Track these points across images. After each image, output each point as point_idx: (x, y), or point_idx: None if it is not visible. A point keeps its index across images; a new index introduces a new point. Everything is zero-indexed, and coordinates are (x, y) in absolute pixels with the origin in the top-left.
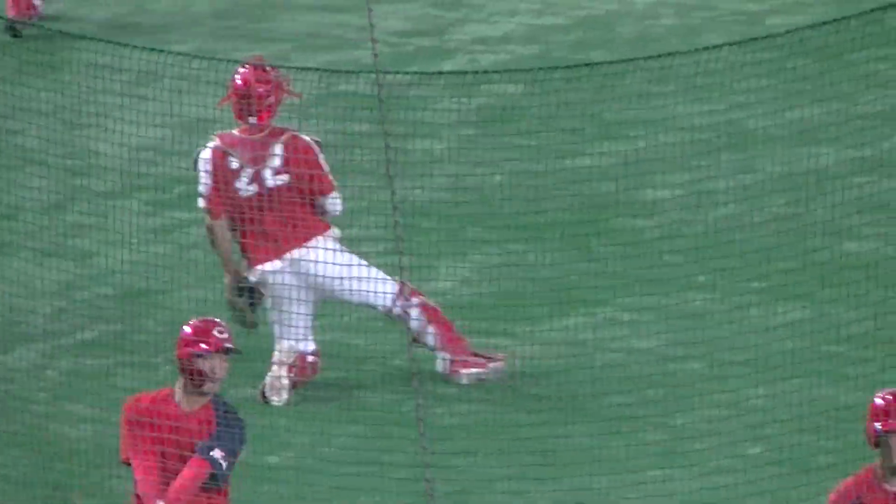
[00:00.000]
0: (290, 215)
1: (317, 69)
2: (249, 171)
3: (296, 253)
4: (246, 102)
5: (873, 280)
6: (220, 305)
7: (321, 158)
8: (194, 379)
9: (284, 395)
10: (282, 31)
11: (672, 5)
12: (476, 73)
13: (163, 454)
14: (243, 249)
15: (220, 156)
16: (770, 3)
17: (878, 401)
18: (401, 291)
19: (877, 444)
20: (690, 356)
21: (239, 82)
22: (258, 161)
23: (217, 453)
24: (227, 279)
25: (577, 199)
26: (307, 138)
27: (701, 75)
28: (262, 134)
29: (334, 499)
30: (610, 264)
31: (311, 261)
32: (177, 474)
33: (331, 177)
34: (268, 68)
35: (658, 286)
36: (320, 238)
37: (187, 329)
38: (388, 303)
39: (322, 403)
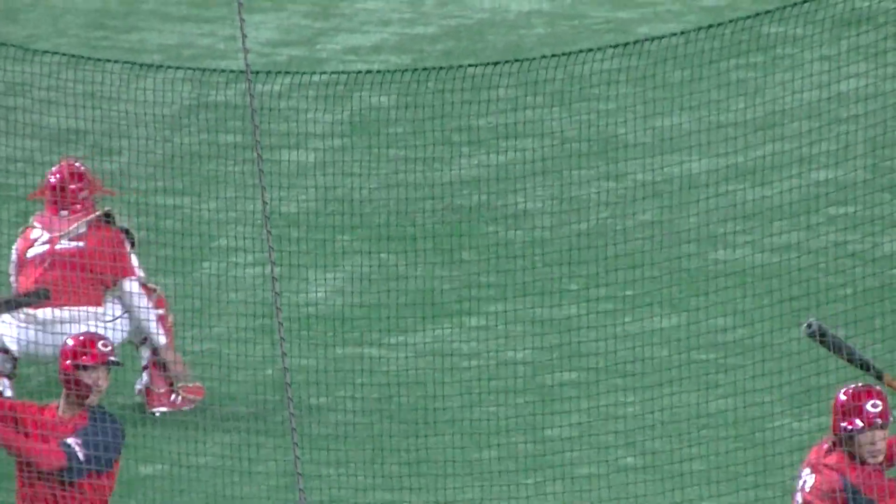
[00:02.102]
0: (63, 280)
1: (193, 69)
2: (47, 235)
3: (49, 314)
4: (60, 197)
5: (742, 288)
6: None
7: (126, 244)
8: (79, 390)
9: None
10: (151, 41)
11: (544, 14)
12: (346, 74)
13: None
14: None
15: (28, 233)
16: (640, 12)
17: (842, 397)
18: (149, 296)
19: (842, 439)
20: (560, 364)
21: (52, 180)
22: (59, 230)
23: (75, 445)
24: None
25: (448, 209)
26: (115, 226)
27: (570, 83)
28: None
29: None
30: (480, 273)
31: (54, 326)
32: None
33: (135, 263)
34: (81, 167)
35: (529, 295)
36: (88, 310)
37: (71, 342)
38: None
39: (195, 413)
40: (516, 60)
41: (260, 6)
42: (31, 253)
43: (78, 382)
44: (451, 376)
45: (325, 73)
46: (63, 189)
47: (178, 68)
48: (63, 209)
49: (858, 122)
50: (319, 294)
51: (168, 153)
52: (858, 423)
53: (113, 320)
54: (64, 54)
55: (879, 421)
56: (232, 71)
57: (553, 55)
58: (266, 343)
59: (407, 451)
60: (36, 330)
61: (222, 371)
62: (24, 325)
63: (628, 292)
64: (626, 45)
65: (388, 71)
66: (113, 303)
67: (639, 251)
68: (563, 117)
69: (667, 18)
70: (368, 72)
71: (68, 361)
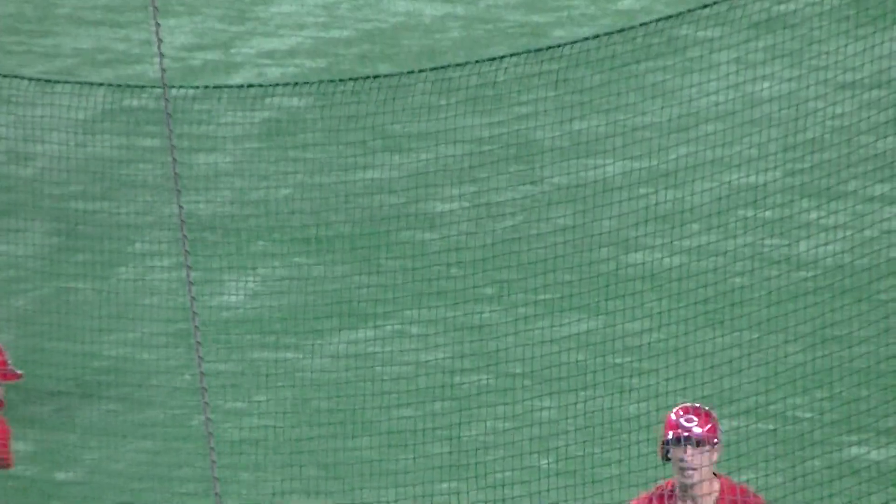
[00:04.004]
0: None
1: (102, 84)
2: None
3: None
4: None
5: (656, 290)
6: (6, 322)
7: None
8: None
9: None
10: (66, 46)
11: (458, 18)
12: (262, 86)
13: None
14: None
15: None
16: (555, 16)
17: (672, 414)
18: None
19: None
20: (476, 368)
21: None
22: None
23: None
24: None
25: (363, 213)
26: None
27: (485, 87)
28: None
29: None
30: (396, 277)
31: None
32: None
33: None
34: None
35: (444, 299)
36: None
37: None
38: None
39: (111, 418)
40: (432, 69)
41: (174, 10)
42: None
43: None
44: (368, 380)
45: (239, 83)
46: None
47: (90, 84)
48: None
49: (772, 124)
50: (236, 298)
51: (83, 158)
52: (666, 436)
53: None
54: None
55: (685, 434)
56: (143, 86)
57: (468, 60)
58: (182, 348)
59: (324, 454)
60: None
61: (139, 377)
62: None
63: (544, 296)
64: (540, 49)
65: (303, 81)
66: None
67: (554, 255)
68: (479, 122)
69: (581, 22)
70: (283, 83)
71: None
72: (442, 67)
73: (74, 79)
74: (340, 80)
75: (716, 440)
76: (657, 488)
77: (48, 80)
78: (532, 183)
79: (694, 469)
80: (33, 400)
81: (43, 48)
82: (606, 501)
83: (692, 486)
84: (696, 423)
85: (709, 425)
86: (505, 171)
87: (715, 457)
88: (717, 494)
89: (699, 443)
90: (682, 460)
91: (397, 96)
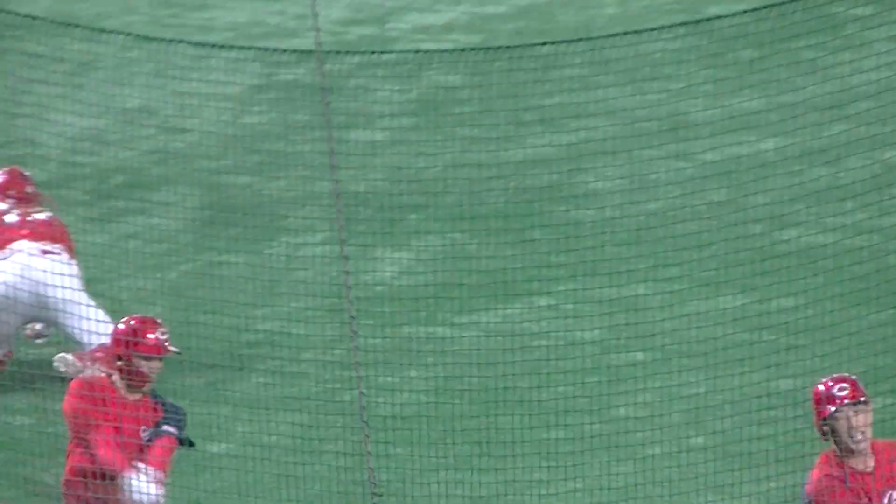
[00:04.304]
0: (40, 223)
1: (263, 49)
2: (17, 209)
3: (30, 260)
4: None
5: (809, 267)
6: (160, 295)
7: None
8: (133, 379)
9: None
10: (221, 20)
11: None
12: (420, 52)
13: (101, 430)
14: None
15: None
16: None
17: (820, 387)
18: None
19: (825, 433)
20: (629, 344)
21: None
22: (27, 203)
23: (172, 428)
24: None
25: (517, 188)
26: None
27: (640, 62)
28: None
29: (276, 487)
30: (550, 253)
31: (40, 270)
32: (129, 451)
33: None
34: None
35: (597, 275)
36: (62, 253)
37: (127, 327)
38: (91, 343)
39: (265, 392)
40: (587, 39)
41: None
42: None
43: (133, 371)
44: (521, 356)
45: (396, 51)
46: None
47: (247, 48)
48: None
49: None
50: (389, 273)
51: (238, 131)
52: (830, 408)
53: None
54: (131, 34)
55: (848, 400)
56: (302, 51)
57: (623, 34)
58: (336, 322)
59: (476, 430)
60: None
61: (291, 350)
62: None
63: (696, 272)
64: (695, 23)
65: (459, 50)
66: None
67: (707, 231)
68: (632, 96)
69: (734, 0)
70: (439, 51)
71: (125, 349)
72: (596, 39)
73: (230, 52)
74: (496, 49)
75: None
76: (822, 459)
77: (212, 46)
78: (685, 159)
79: (863, 431)
80: (186, 372)
81: (198, 21)
82: (757, 477)
83: (861, 449)
84: (848, 391)
85: (860, 389)
86: (658, 147)
87: (871, 419)
88: (873, 457)
89: (863, 405)
90: (851, 426)
91: (552, 70)
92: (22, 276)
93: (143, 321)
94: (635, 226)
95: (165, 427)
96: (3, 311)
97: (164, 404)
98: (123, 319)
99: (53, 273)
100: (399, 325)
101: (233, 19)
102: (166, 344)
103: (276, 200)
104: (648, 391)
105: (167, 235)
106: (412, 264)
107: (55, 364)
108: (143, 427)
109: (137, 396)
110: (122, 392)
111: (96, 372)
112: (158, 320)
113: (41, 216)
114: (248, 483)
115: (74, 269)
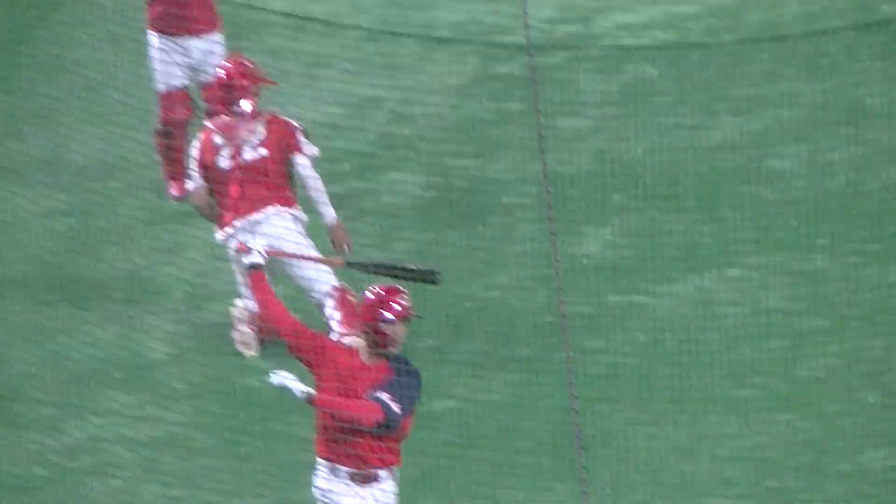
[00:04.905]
0: (259, 186)
1: (480, 43)
2: (230, 148)
3: (252, 217)
4: (228, 93)
5: None
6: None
7: (298, 132)
8: (378, 342)
9: (253, 349)
10: (443, 19)
11: None
12: (622, 49)
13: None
14: (217, 216)
15: (208, 138)
16: None
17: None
18: (335, 289)
19: None
20: (810, 311)
21: (222, 75)
22: (239, 139)
23: (388, 399)
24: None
25: (708, 170)
26: (287, 119)
27: (820, 57)
28: (247, 117)
29: (493, 441)
30: (739, 229)
31: (266, 226)
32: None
33: (303, 142)
34: (246, 61)
35: (781, 247)
36: (282, 209)
37: (373, 296)
38: (321, 293)
39: (481, 355)
40: (772, 39)
41: None
42: (219, 163)
43: (379, 334)
44: (712, 322)
45: (599, 47)
46: (231, 87)
47: (466, 42)
48: (232, 104)
49: None
50: (593, 247)
51: (457, 119)
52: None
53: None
54: (364, 28)
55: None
56: (516, 46)
57: (806, 32)
58: (545, 291)
59: (671, 389)
60: (252, 235)
61: (506, 316)
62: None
63: (872, 246)
64: (871, 24)
65: (656, 46)
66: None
67: (883, 210)
68: (814, 88)
69: None
70: (639, 47)
71: (372, 314)
72: (781, 36)
73: (448, 47)
74: (690, 45)
75: None
76: None
77: (435, 40)
78: (862, 144)
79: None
80: (410, 337)
81: (422, 20)
82: None
83: None
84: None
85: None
86: (836, 133)
87: None
88: None
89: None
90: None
91: (741, 64)
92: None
93: (388, 289)
94: (815, 204)
95: (379, 395)
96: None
97: (398, 370)
98: (369, 289)
99: (280, 225)
100: (602, 294)
101: (453, 18)
102: (409, 309)
103: (492, 181)
104: (829, 355)
105: (395, 211)
106: (615, 239)
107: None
108: (369, 389)
109: (378, 361)
110: (364, 359)
111: (348, 340)
112: (401, 288)
113: (255, 153)
114: (467, 438)
115: (297, 223)
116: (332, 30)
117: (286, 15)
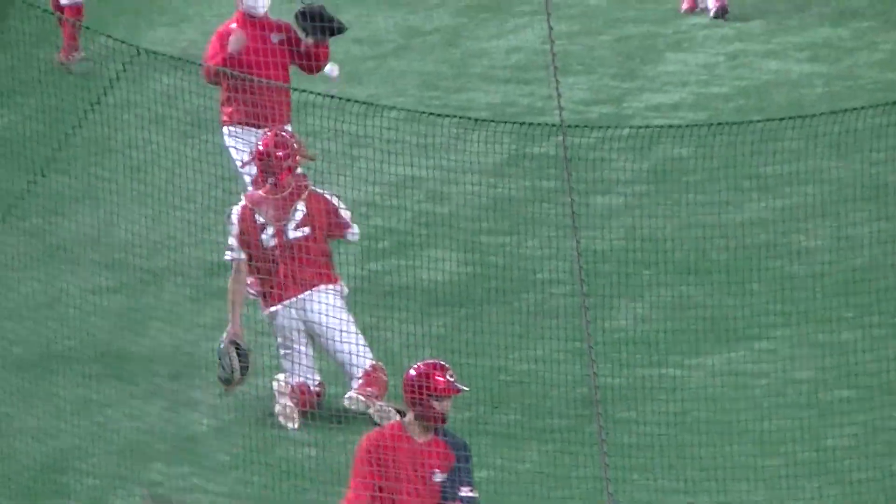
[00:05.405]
0: (303, 264)
1: (514, 122)
2: (272, 227)
3: (301, 296)
4: (265, 164)
5: None
6: (427, 339)
7: (338, 203)
8: (428, 416)
9: (294, 422)
10: (479, 101)
11: (822, 76)
12: (649, 126)
13: (398, 479)
14: (261, 294)
15: (248, 213)
16: None
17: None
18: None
19: None
20: (837, 382)
21: (260, 148)
22: (281, 217)
23: (468, 492)
24: (230, 328)
25: (738, 245)
26: (324, 192)
27: (845, 135)
28: (285, 192)
29: None
30: (768, 303)
31: (310, 304)
32: (410, 498)
33: (347, 216)
34: (285, 135)
35: (810, 322)
36: (326, 287)
37: (418, 372)
38: (354, 373)
39: (516, 426)
40: (798, 117)
41: (573, 69)
42: (263, 242)
43: (431, 409)
44: (742, 393)
45: (631, 127)
46: (269, 156)
47: (501, 122)
48: (270, 176)
49: None
50: (625, 321)
51: (493, 197)
52: None
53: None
54: (402, 109)
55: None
56: (550, 126)
57: (831, 112)
58: (579, 364)
59: (703, 458)
60: (298, 313)
61: (541, 388)
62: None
63: None
64: (893, 103)
65: (686, 126)
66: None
67: None
68: (839, 166)
69: None
70: (669, 126)
71: (421, 390)
72: (807, 116)
73: (484, 128)
74: (719, 124)
75: None
76: None
77: (472, 121)
78: (887, 220)
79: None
80: (452, 409)
81: (458, 102)
82: None
83: None
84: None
85: None
86: (862, 210)
87: None
88: None
89: None
90: None
91: (768, 143)
92: (295, 310)
93: (433, 365)
94: (842, 279)
95: (461, 491)
96: (294, 342)
97: (453, 444)
98: (414, 366)
99: (324, 303)
100: (634, 367)
101: (489, 100)
102: (455, 384)
103: (526, 257)
104: (855, 424)
105: (432, 287)
106: (646, 313)
107: (346, 403)
108: (435, 470)
109: (428, 437)
110: (414, 435)
111: (391, 415)
112: (445, 364)
113: (298, 232)
114: None
115: (340, 298)
116: (372, 111)
117: (328, 96)
